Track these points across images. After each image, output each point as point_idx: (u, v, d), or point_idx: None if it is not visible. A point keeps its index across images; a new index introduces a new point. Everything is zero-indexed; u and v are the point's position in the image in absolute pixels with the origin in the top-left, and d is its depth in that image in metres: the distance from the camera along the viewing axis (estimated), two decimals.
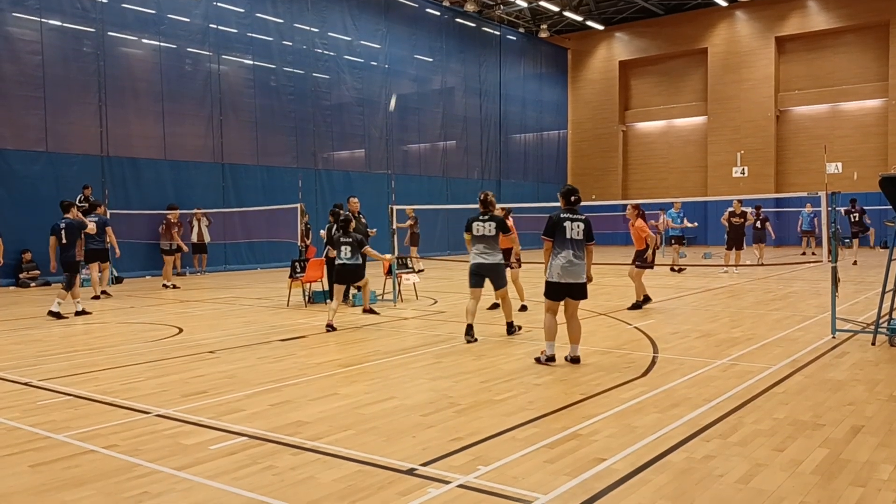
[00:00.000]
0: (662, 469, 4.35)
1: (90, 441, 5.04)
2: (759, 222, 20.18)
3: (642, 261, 11.91)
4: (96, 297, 14.22)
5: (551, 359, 7.45)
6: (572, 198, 7.57)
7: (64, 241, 11.99)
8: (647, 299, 12.03)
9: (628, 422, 5.34)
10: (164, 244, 18.19)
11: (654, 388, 6.39)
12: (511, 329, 9.36)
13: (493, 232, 9.03)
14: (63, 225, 12.06)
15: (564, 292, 7.47)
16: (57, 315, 11.63)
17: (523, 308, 11.56)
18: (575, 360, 7.45)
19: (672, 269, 19.14)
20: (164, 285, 16.89)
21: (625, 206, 12.87)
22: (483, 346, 8.66)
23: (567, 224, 7.42)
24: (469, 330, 8.94)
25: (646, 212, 13.04)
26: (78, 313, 11.84)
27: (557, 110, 38.54)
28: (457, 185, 30.98)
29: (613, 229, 30.36)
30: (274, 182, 23.26)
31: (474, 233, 9.10)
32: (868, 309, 11.16)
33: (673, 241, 20.16)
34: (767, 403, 5.84)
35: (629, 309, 11.77)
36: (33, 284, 17.34)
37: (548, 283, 7.49)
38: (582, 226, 7.44)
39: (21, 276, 17.37)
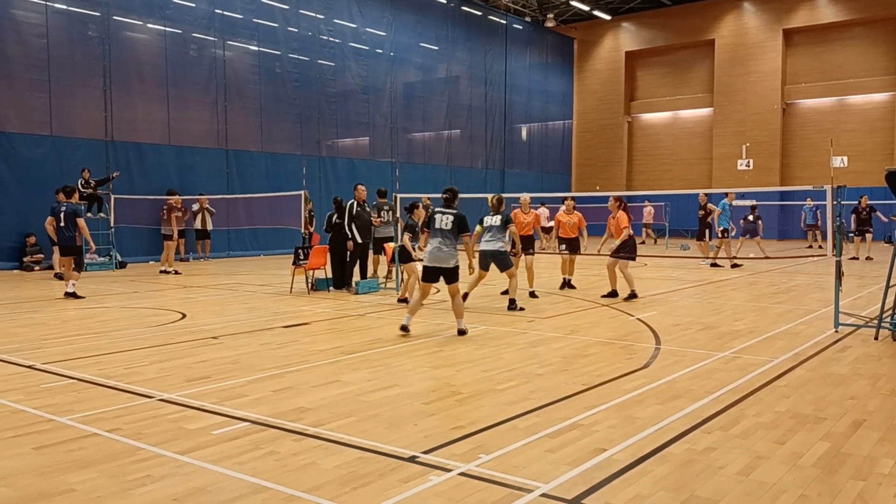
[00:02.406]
0: (663, 460, 4.36)
1: (93, 424, 5.07)
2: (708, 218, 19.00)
3: (627, 252, 12.01)
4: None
5: (405, 328, 8.54)
6: (445, 195, 9.00)
7: (62, 223, 12.42)
8: (628, 294, 12.08)
9: (630, 413, 5.35)
10: (165, 229, 18.20)
11: (656, 379, 6.40)
12: (513, 305, 10.79)
13: (499, 223, 10.78)
14: (63, 209, 12.51)
15: (436, 275, 8.70)
16: (73, 295, 12.09)
17: (532, 294, 12.34)
18: (462, 332, 8.56)
19: (718, 265, 18.17)
20: (164, 271, 16.87)
21: (630, 198, 12.96)
22: (485, 336, 8.67)
23: (437, 216, 8.74)
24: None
25: (628, 204, 13.17)
26: (69, 294, 12.19)
27: (563, 100, 38.37)
28: (461, 174, 30.89)
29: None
30: (278, 169, 23.22)
31: (485, 225, 10.81)
32: (871, 303, 11.15)
33: (725, 234, 18.17)
34: (769, 396, 5.85)
35: (625, 300, 11.90)
36: (37, 268, 17.35)
37: (423, 267, 8.83)
38: (451, 218, 8.68)
39: (25, 259, 17.40)
